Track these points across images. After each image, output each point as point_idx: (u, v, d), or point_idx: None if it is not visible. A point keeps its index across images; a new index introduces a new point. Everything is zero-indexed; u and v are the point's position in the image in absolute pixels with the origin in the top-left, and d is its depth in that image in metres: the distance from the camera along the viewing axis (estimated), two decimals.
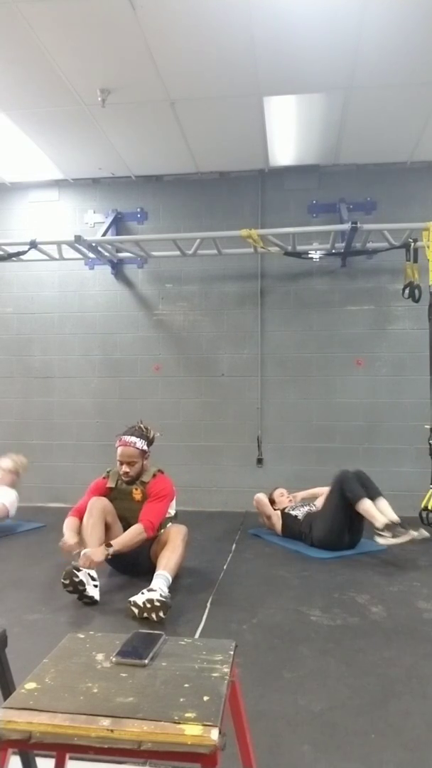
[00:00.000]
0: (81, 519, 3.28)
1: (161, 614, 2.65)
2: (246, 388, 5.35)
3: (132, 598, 2.72)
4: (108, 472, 3.43)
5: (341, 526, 3.84)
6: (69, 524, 3.32)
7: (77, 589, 2.86)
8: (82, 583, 2.86)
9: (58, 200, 5.64)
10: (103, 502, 3.26)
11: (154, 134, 4.66)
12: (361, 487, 3.77)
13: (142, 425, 3.44)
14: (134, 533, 3.09)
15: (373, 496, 3.77)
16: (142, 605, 2.67)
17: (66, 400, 5.57)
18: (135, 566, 3.27)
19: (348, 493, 3.75)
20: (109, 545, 3.01)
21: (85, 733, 1.06)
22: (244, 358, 5.37)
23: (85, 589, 2.87)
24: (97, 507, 3.21)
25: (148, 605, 2.66)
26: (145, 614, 2.67)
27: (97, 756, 1.09)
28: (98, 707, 1.12)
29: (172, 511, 3.36)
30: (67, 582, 2.85)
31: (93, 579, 2.93)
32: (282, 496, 4.44)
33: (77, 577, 2.85)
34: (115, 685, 1.20)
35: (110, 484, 3.36)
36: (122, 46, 3.50)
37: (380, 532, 3.57)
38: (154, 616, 2.65)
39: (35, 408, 5.61)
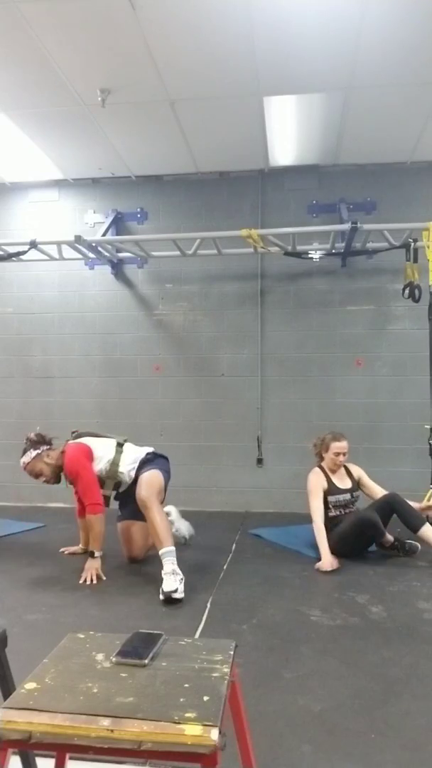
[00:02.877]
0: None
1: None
2: (246, 388, 5.35)
3: (165, 589, 2.91)
4: None
5: (354, 547, 3.69)
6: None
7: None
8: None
9: (58, 200, 5.64)
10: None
11: (154, 134, 4.65)
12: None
13: (25, 440, 3.68)
14: (92, 526, 3.31)
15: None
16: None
17: (66, 400, 5.56)
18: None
19: (409, 518, 3.61)
20: (92, 553, 3.29)
21: (85, 733, 1.06)
22: (244, 358, 5.37)
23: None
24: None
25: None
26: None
27: (97, 756, 1.09)
28: (98, 707, 1.12)
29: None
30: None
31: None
32: (339, 456, 3.76)
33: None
34: (115, 685, 1.20)
35: (63, 485, 3.62)
36: (122, 46, 3.50)
37: None
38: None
39: (35, 408, 5.60)
